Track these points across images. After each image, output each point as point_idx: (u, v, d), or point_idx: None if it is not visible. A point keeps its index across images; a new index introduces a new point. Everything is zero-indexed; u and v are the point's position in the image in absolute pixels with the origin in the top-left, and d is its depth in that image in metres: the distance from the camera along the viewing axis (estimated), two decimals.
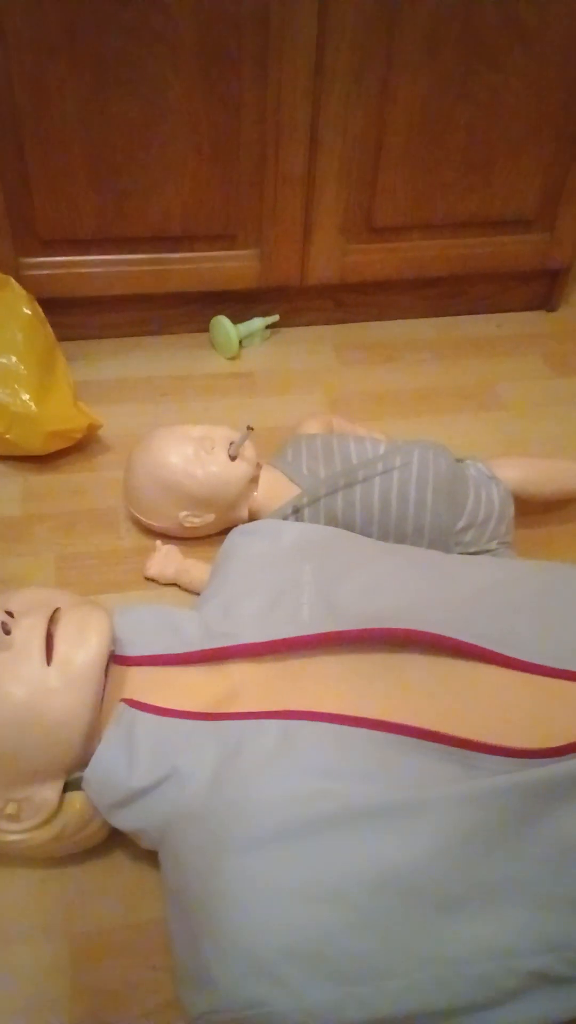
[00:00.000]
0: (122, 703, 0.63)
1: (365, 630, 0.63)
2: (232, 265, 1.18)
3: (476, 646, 0.63)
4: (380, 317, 1.36)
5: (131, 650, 0.67)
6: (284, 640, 0.63)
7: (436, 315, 1.38)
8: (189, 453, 0.87)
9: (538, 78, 1.09)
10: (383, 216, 1.19)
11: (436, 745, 0.58)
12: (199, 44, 0.98)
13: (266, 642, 0.64)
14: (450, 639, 0.63)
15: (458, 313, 1.39)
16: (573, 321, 1.41)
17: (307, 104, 1.04)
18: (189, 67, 0.99)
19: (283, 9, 0.96)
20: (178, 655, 0.66)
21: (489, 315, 1.40)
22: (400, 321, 1.37)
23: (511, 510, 0.93)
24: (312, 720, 0.59)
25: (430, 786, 0.55)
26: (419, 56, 1.04)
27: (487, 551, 0.90)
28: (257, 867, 0.53)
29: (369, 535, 0.87)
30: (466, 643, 0.63)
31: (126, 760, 0.60)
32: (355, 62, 1.02)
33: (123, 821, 0.62)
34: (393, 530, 0.88)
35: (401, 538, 0.88)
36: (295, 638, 0.63)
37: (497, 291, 1.38)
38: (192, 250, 1.16)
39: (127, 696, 0.64)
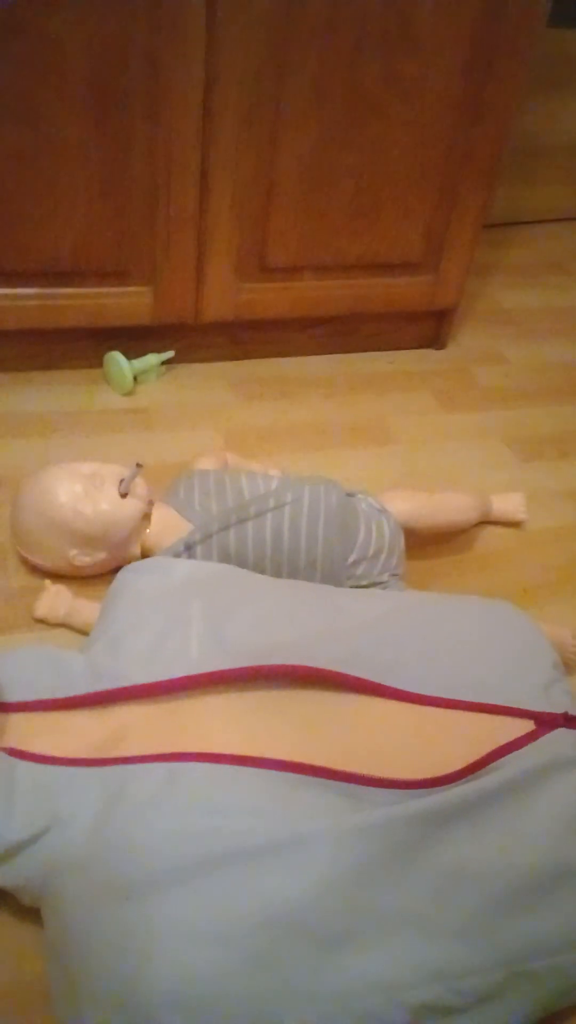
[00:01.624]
0: (0, 752, 0.60)
1: (254, 668, 0.63)
2: (125, 301, 1.18)
3: (364, 680, 0.64)
4: (275, 354, 1.38)
5: (12, 696, 0.64)
6: (171, 681, 0.63)
7: (330, 352, 1.42)
8: (78, 491, 0.86)
9: (420, 131, 1.15)
10: (276, 256, 1.21)
11: (324, 780, 0.58)
12: (90, 80, 0.98)
13: (153, 684, 0.63)
14: (337, 674, 0.63)
15: (351, 350, 1.43)
16: (460, 359, 1.47)
17: (197, 145, 1.06)
18: (79, 102, 0.99)
19: (171, 50, 0.98)
20: (62, 699, 0.64)
21: (381, 352, 1.45)
22: (295, 358, 1.39)
23: (401, 543, 0.95)
24: (197, 761, 0.58)
25: (317, 821, 0.55)
26: (307, 105, 1.07)
27: (378, 583, 0.92)
28: (138, 914, 0.52)
29: (262, 570, 0.87)
30: (353, 677, 0.64)
31: (3, 812, 0.57)
32: (244, 107, 1.05)
33: (2, 878, 0.59)
34: (286, 565, 0.88)
35: (294, 572, 0.88)
36: (183, 678, 0.63)
37: (388, 330, 1.43)
38: (84, 285, 1.15)
39: (7, 744, 0.61)
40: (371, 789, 0.59)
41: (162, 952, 0.50)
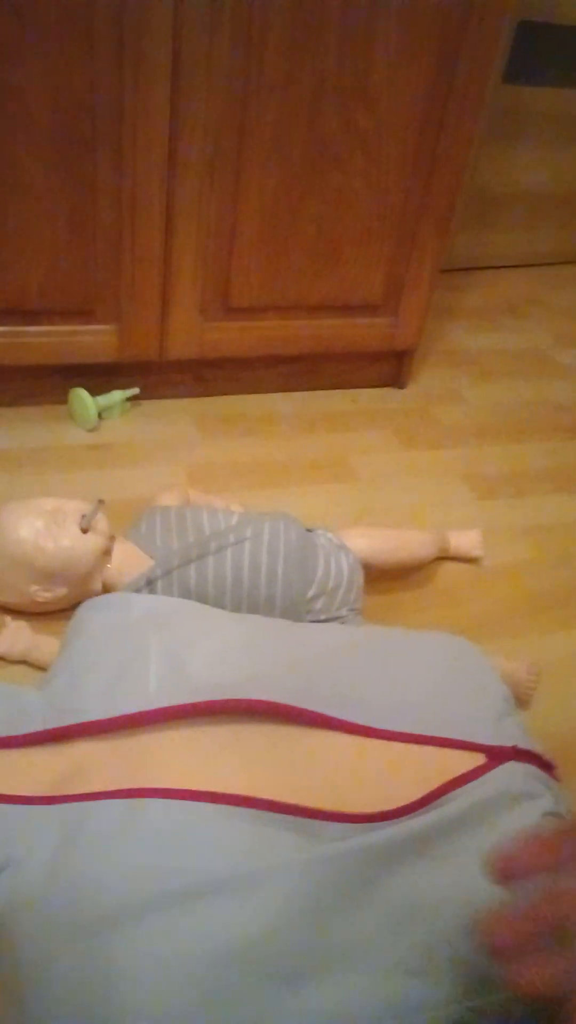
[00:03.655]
0: None
1: (211, 702, 0.63)
2: (90, 339, 1.20)
3: (320, 714, 0.65)
4: (239, 391, 1.41)
5: None
6: (128, 716, 0.63)
7: (293, 390, 1.44)
8: (39, 526, 0.86)
9: (377, 180, 1.20)
10: (239, 297, 1.24)
11: (280, 815, 0.59)
12: (55, 129, 1.01)
13: (110, 719, 0.63)
14: (295, 708, 0.64)
15: (313, 388, 1.46)
16: (420, 398, 1.51)
17: (162, 191, 1.09)
18: (43, 149, 1.02)
19: (135, 102, 1.01)
20: (17, 737, 0.64)
21: (343, 391, 1.48)
22: (259, 395, 1.42)
23: (360, 578, 0.97)
24: (156, 797, 0.59)
25: (271, 857, 0.56)
26: (268, 154, 1.11)
27: (337, 618, 0.93)
28: (94, 951, 0.51)
29: (222, 606, 0.88)
30: (311, 712, 0.65)
31: None
32: (207, 155, 1.08)
33: None
34: (245, 600, 0.89)
35: (253, 608, 0.90)
36: (140, 713, 0.63)
37: (350, 369, 1.47)
38: (49, 324, 1.17)
39: None
40: (325, 823, 0.59)
41: (118, 990, 0.50)
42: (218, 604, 0.88)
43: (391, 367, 1.50)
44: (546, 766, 0.69)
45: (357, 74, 1.08)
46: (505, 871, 0.46)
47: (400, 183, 1.22)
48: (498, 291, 1.96)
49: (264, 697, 0.64)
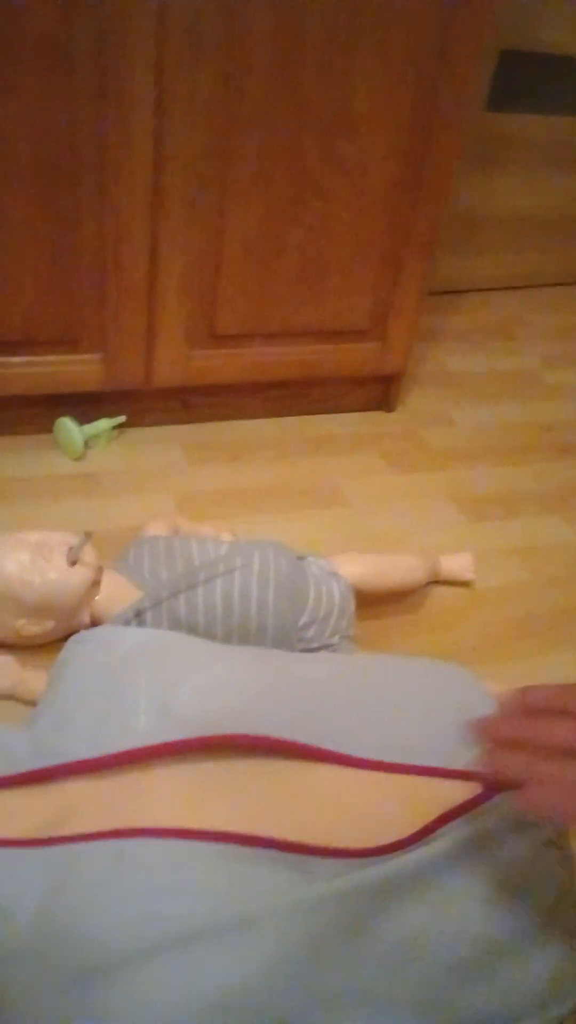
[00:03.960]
0: None
1: (200, 739, 0.62)
2: (75, 369, 1.19)
3: (313, 748, 0.64)
4: (227, 417, 1.41)
5: None
6: (118, 755, 0.62)
7: (280, 415, 1.44)
8: (25, 560, 0.85)
9: (361, 208, 1.20)
10: (225, 324, 1.24)
11: (273, 852, 0.58)
12: (36, 163, 1.01)
13: (97, 758, 0.62)
14: (288, 742, 0.63)
15: (301, 413, 1.46)
16: (408, 421, 1.51)
17: (146, 221, 1.09)
18: (27, 183, 1.02)
19: (118, 136, 1.02)
20: (1, 778, 0.62)
21: (331, 415, 1.48)
22: (246, 421, 1.42)
23: (352, 605, 0.96)
24: (147, 837, 0.57)
25: (265, 897, 0.55)
26: (251, 184, 1.12)
27: (329, 646, 0.92)
28: (87, 1005, 0.50)
29: (212, 636, 0.87)
30: (301, 745, 0.64)
31: None
32: (191, 186, 1.09)
33: None
34: (236, 630, 0.88)
35: (244, 637, 0.89)
36: (129, 751, 0.62)
37: (337, 394, 1.47)
38: (33, 354, 1.16)
39: None
40: (319, 860, 0.58)
41: None
42: (209, 634, 0.87)
43: (379, 391, 1.50)
44: None
45: (338, 105, 1.10)
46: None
47: (384, 210, 1.22)
48: (484, 313, 1.97)
49: (255, 732, 0.63)
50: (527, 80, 1.79)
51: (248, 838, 0.58)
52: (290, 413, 1.45)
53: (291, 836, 0.58)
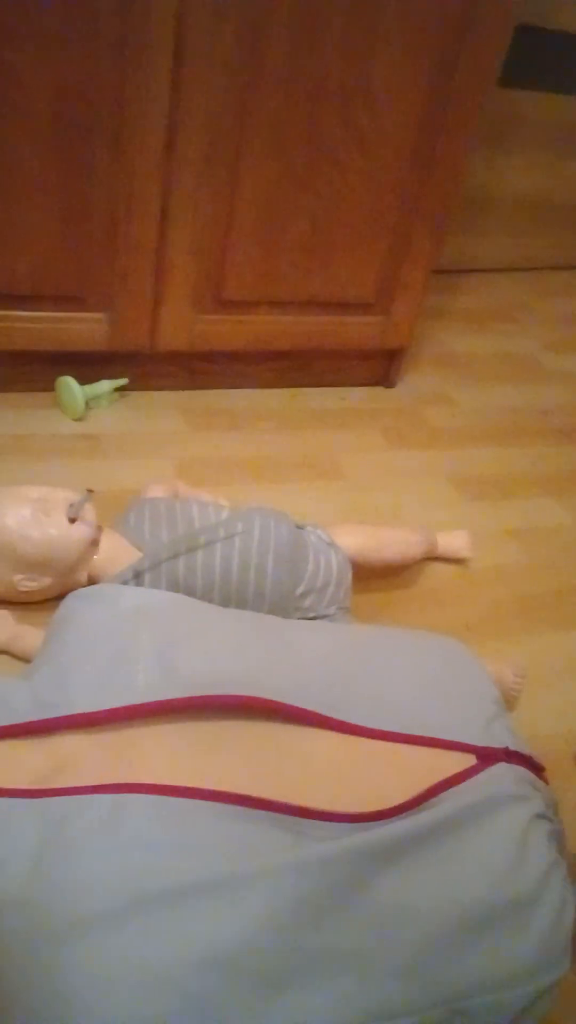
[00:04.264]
0: None
1: (200, 697, 0.62)
2: (80, 327, 1.18)
3: (311, 712, 0.64)
4: (229, 385, 1.40)
5: None
6: (117, 709, 0.62)
7: (282, 386, 1.44)
8: (26, 515, 0.85)
9: (374, 178, 1.19)
10: (232, 290, 1.23)
11: (268, 813, 0.58)
12: (53, 113, 0.99)
13: (97, 712, 0.62)
14: (286, 706, 0.63)
15: (303, 385, 1.45)
16: (409, 397, 1.51)
17: (158, 180, 1.07)
18: (42, 134, 1.00)
19: (136, 89, 1.00)
20: (2, 728, 0.62)
21: (332, 388, 1.47)
22: (248, 390, 1.41)
23: (349, 576, 0.96)
24: (143, 793, 0.58)
25: (259, 857, 0.55)
26: (266, 148, 1.10)
27: (325, 615, 0.92)
28: (78, 955, 0.50)
29: (210, 600, 0.87)
30: (301, 709, 0.64)
31: None
32: (205, 146, 1.07)
33: None
34: (234, 595, 0.89)
35: (242, 603, 0.89)
36: (128, 707, 0.62)
37: (340, 367, 1.46)
38: (39, 309, 1.15)
39: None
40: (313, 823, 0.58)
41: (98, 997, 0.49)
42: (206, 599, 0.87)
43: (381, 366, 1.50)
44: (536, 768, 0.69)
45: (358, 73, 1.08)
46: None
47: (396, 183, 1.21)
48: (489, 295, 1.97)
49: (255, 694, 0.63)
50: (542, 57, 1.77)
51: (244, 798, 0.58)
52: (292, 384, 1.44)
53: (287, 798, 0.59)
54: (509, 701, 0.94)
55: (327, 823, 0.59)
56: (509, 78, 1.77)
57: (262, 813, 0.58)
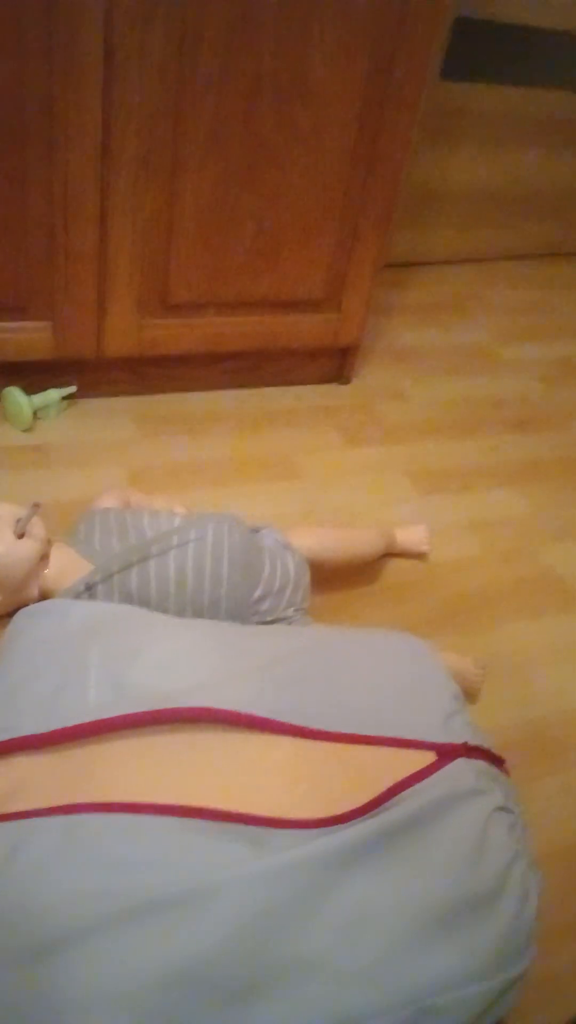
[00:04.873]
0: None
1: (152, 712, 0.61)
2: (23, 337, 1.16)
3: (267, 719, 0.64)
4: (181, 389, 1.38)
5: None
6: (67, 729, 0.60)
7: (235, 387, 1.43)
8: None
9: (317, 176, 1.18)
10: (178, 294, 1.22)
11: (228, 824, 0.57)
12: None
13: (46, 733, 0.60)
14: (242, 714, 0.63)
15: (256, 386, 1.44)
16: (364, 394, 1.51)
17: (95, 185, 1.06)
18: None
19: (67, 94, 0.98)
20: None
21: (287, 387, 1.47)
22: (201, 393, 1.40)
23: (306, 578, 0.96)
24: (97, 812, 0.56)
25: (220, 870, 0.54)
26: (204, 149, 1.09)
27: (284, 619, 0.92)
28: (40, 979, 0.49)
29: (165, 610, 0.86)
30: (257, 717, 0.63)
31: None
32: (142, 150, 1.06)
33: None
34: (190, 604, 0.87)
35: (198, 611, 0.88)
36: (79, 726, 0.61)
37: (293, 366, 1.46)
38: None
39: None
40: (275, 831, 0.58)
41: (67, 1018, 0.48)
42: (161, 608, 0.86)
43: (334, 363, 1.50)
44: (496, 761, 0.69)
45: (294, 71, 1.07)
46: None
47: (340, 180, 1.21)
48: (439, 288, 1.97)
49: (208, 704, 0.62)
50: (482, 49, 1.78)
51: (202, 810, 0.57)
52: (245, 385, 1.43)
53: (247, 808, 0.58)
54: (471, 694, 0.94)
55: (288, 831, 0.58)
56: (451, 70, 1.77)
57: (222, 825, 0.57)
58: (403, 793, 0.62)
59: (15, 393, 1.19)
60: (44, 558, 0.87)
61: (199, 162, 1.10)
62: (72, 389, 1.25)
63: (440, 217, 2.00)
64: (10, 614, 0.82)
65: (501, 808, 0.64)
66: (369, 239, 1.30)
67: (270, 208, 1.19)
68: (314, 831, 0.58)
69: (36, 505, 0.85)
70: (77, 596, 0.85)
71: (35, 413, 1.22)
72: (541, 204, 2.13)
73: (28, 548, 0.84)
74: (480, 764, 0.66)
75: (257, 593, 0.90)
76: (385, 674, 0.73)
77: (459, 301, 1.93)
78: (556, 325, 1.90)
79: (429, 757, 0.65)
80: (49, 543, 0.88)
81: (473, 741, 0.67)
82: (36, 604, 0.76)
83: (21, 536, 0.84)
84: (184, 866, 0.55)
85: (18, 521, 0.85)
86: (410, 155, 1.82)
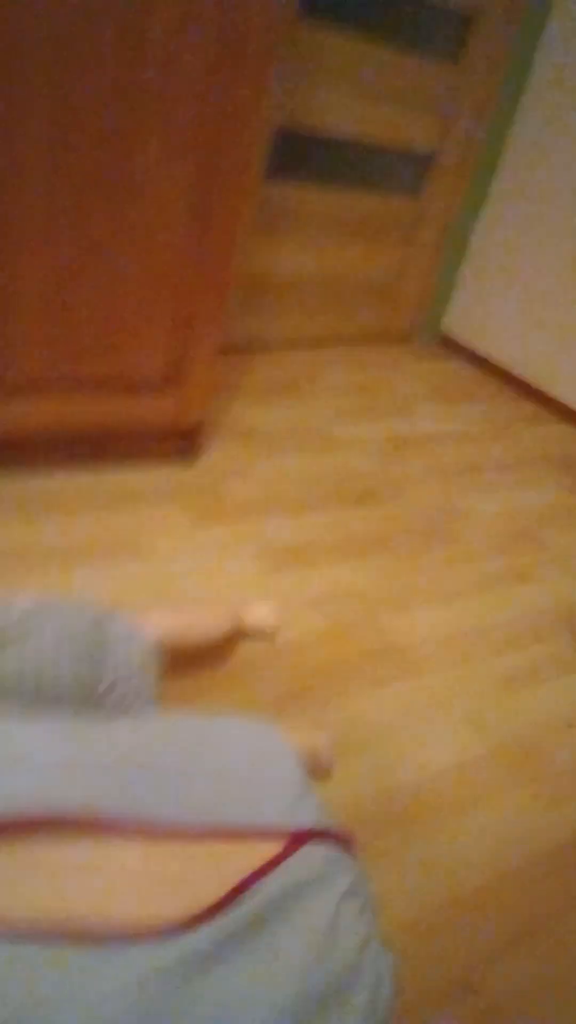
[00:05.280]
0: None
1: None
2: None
3: (113, 819, 0.61)
4: (24, 471, 1.35)
5: None
6: None
7: (80, 469, 1.41)
8: None
9: (149, 268, 1.22)
10: (16, 377, 1.20)
11: (73, 938, 0.54)
12: None
13: None
14: (78, 817, 0.60)
15: (101, 467, 1.43)
16: (210, 473, 1.53)
17: None
18: None
19: None
20: None
21: (133, 469, 1.46)
22: (47, 474, 1.36)
23: (155, 664, 0.94)
24: None
25: (63, 988, 0.51)
26: (37, 244, 1.10)
27: (132, 708, 0.89)
28: None
29: (7, 709, 0.81)
30: (103, 818, 0.61)
31: None
32: None
33: None
34: (31, 701, 0.83)
35: (41, 707, 0.84)
36: None
37: (137, 447, 1.46)
38: None
39: None
40: (120, 943, 0.55)
41: None
42: (2, 706, 0.81)
43: (180, 444, 1.51)
44: (345, 841, 0.69)
45: (122, 169, 1.11)
46: None
47: (172, 271, 1.25)
48: (278, 370, 2.06)
49: (51, 807, 0.59)
50: (302, 157, 1.93)
51: (46, 924, 0.54)
52: (91, 467, 1.42)
53: (96, 917, 0.55)
54: (325, 770, 0.95)
55: (137, 940, 0.56)
56: (275, 174, 1.90)
57: (60, 940, 0.54)
58: (255, 886, 0.61)
59: None
60: None
61: (31, 256, 1.10)
62: None
63: (275, 305, 2.10)
64: None
65: (349, 893, 0.64)
66: (205, 325, 1.34)
67: (105, 297, 1.21)
68: (166, 937, 0.56)
69: None
70: None
71: None
72: (365, 294, 2.30)
73: None
74: (328, 847, 0.66)
75: (103, 685, 0.88)
76: (232, 762, 0.72)
77: (296, 383, 2.02)
78: (385, 405, 2.03)
79: (278, 846, 0.65)
80: None
81: (321, 824, 0.68)
82: None
83: None
84: (20, 993, 0.51)
85: None
86: (242, 249, 1.91)
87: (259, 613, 1.16)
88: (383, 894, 0.68)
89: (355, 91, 1.89)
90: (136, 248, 1.18)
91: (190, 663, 1.05)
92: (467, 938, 0.82)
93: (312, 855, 0.64)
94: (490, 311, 2.42)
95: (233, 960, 0.56)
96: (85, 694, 0.86)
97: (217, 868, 0.61)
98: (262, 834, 0.64)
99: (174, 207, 1.18)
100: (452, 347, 2.55)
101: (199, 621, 1.06)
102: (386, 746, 1.04)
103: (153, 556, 1.27)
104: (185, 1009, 0.53)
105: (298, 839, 0.64)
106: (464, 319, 2.50)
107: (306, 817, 0.68)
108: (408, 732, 1.06)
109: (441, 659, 1.20)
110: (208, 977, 0.55)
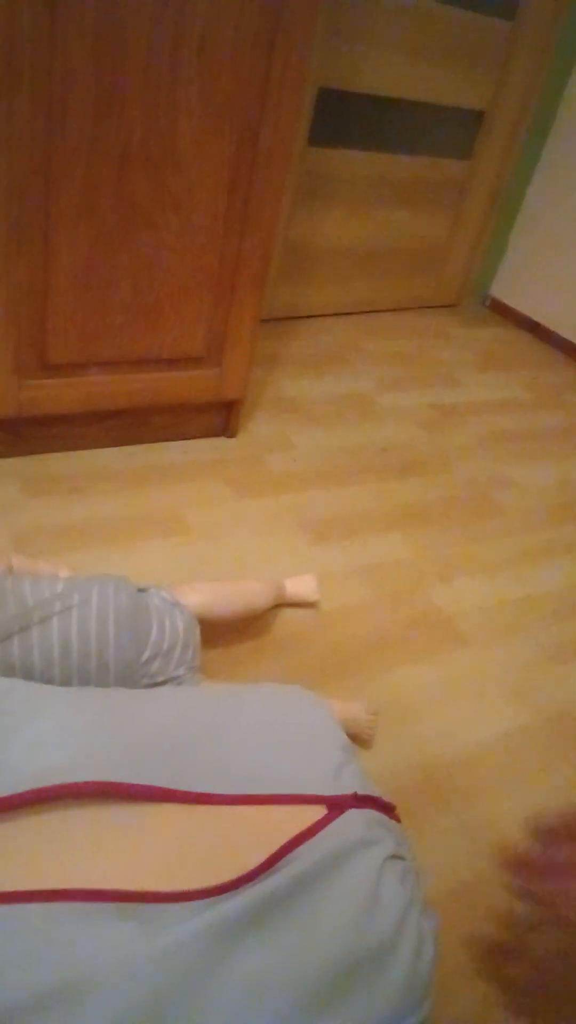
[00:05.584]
0: None
1: (32, 791, 0.59)
2: None
3: (151, 787, 0.62)
4: (65, 448, 1.36)
5: None
6: None
7: (121, 444, 1.42)
8: None
9: (191, 238, 1.21)
10: (57, 354, 1.21)
11: (115, 905, 0.55)
12: None
13: None
14: (124, 785, 0.61)
15: (143, 442, 1.44)
16: (250, 446, 1.53)
17: None
18: None
19: None
20: None
21: (173, 442, 1.47)
22: (86, 451, 1.38)
23: (196, 636, 0.95)
24: None
25: (107, 953, 0.52)
26: (77, 214, 1.10)
27: (174, 678, 0.91)
28: None
29: (51, 678, 0.83)
30: (141, 786, 0.62)
31: None
32: (12, 216, 1.05)
33: None
34: (76, 670, 0.85)
35: (85, 678, 0.85)
36: None
37: (179, 421, 1.46)
38: None
39: None
40: (165, 906, 0.56)
41: None
42: (46, 677, 0.83)
43: (220, 417, 1.51)
44: (386, 808, 0.70)
45: (163, 140, 1.10)
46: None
47: (214, 241, 1.24)
48: (319, 340, 2.04)
49: (92, 778, 0.60)
50: (344, 117, 1.88)
51: (83, 892, 0.55)
52: (131, 442, 1.43)
53: (134, 884, 0.56)
54: (364, 740, 0.95)
55: (179, 903, 0.57)
56: (317, 137, 1.86)
57: (107, 905, 0.55)
58: (296, 851, 0.61)
59: None
60: None
61: (72, 226, 1.10)
62: None
63: (318, 273, 2.08)
64: None
65: (392, 856, 0.64)
66: (246, 296, 1.33)
67: (146, 270, 1.20)
68: (204, 902, 0.57)
69: None
70: None
71: None
72: (411, 260, 2.25)
73: None
74: (370, 813, 0.67)
75: (146, 655, 0.89)
76: (273, 731, 0.73)
77: (340, 352, 2.00)
78: (430, 373, 2.00)
79: (320, 811, 0.65)
80: None
81: (363, 791, 0.68)
82: None
83: None
84: (67, 956, 0.52)
85: None
86: (283, 217, 1.89)
87: (301, 585, 1.16)
88: (422, 866, 0.68)
89: (402, 47, 1.83)
90: (178, 218, 1.17)
91: (231, 633, 1.06)
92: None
93: (354, 821, 0.64)
94: (541, 275, 2.35)
95: (274, 924, 0.57)
96: (128, 665, 0.88)
97: (259, 834, 0.62)
98: (304, 800, 0.65)
99: (216, 176, 1.17)
100: (501, 312, 2.49)
101: (240, 592, 1.06)
102: (430, 717, 1.03)
103: (195, 529, 1.27)
104: (223, 974, 0.54)
105: (340, 805, 0.65)
106: (514, 284, 2.44)
107: (348, 783, 0.68)
108: (452, 703, 1.06)
109: (487, 630, 1.19)
110: (248, 941, 0.56)
